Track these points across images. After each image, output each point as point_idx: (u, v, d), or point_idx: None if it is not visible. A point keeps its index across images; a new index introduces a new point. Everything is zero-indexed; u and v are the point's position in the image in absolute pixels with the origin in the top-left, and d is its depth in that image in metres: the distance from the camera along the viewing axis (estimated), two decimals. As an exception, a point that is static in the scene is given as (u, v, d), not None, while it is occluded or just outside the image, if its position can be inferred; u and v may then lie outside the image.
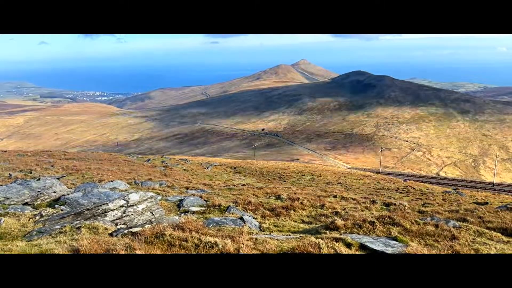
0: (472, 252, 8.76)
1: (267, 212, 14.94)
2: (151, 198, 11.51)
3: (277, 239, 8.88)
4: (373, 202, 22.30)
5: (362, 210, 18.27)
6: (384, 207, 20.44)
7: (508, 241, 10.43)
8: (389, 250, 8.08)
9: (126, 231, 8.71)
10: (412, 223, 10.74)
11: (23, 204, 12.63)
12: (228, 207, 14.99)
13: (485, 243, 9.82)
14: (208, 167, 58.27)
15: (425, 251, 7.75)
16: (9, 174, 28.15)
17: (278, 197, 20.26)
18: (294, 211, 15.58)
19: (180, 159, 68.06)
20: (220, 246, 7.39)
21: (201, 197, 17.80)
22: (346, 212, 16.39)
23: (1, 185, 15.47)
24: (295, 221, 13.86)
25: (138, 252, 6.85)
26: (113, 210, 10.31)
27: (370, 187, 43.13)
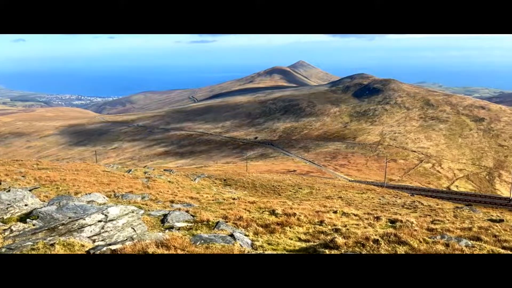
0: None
1: (260, 228, 14.93)
2: (133, 212, 11.51)
3: (271, 258, 8.90)
4: (377, 218, 22.32)
5: (365, 227, 18.27)
6: (390, 224, 20.47)
7: (525, 262, 10.50)
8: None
9: (104, 248, 8.71)
10: (420, 242, 10.79)
11: (-9, 219, 12.57)
12: (217, 222, 14.98)
13: (500, 264, 9.89)
14: (195, 179, 58.21)
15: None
16: (-25, 185, 27.97)
17: (273, 212, 20.24)
18: (290, 227, 15.58)
19: (164, 170, 67.95)
20: (209, 266, 7.42)
21: (187, 211, 17.77)
22: (348, 229, 16.40)
23: (-35, 197, 15.38)
24: (291, 239, 13.86)
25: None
26: (90, 225, 10.30)
27: (374, 202, 43.23)
